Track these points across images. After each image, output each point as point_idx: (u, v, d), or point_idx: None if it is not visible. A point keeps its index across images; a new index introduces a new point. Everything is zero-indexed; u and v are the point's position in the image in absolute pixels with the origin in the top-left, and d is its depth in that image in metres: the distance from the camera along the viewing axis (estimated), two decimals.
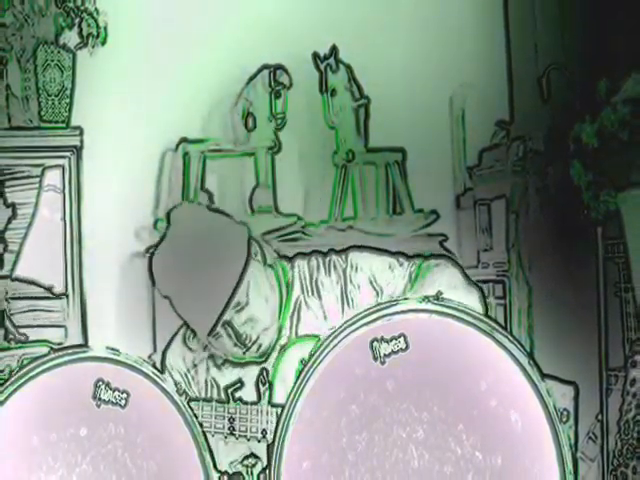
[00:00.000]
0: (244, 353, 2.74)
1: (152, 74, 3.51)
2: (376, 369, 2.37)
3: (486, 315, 2.45)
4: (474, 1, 3.69)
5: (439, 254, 3.00)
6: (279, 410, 2.43)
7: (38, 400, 2.41)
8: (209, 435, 2.55)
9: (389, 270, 2.79)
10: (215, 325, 2.66)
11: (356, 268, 2.80)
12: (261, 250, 2.75)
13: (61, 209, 3.50)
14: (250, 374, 2.71)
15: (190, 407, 2.47)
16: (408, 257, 2.82)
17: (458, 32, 3.66)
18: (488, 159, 3.70)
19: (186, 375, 2.84)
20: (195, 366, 2.83)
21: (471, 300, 2.65)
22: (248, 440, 2.57)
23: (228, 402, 2.59)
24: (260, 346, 2.73)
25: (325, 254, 2.83)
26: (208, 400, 2.61)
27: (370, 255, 2.82)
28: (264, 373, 2.66)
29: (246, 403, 2.59)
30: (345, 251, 2.83)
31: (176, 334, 2.89)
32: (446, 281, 2.73)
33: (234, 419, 2.57)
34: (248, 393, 2.63)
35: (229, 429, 2.57)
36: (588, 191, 3.39)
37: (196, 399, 2.62)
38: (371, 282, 2.78)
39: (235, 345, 2.72)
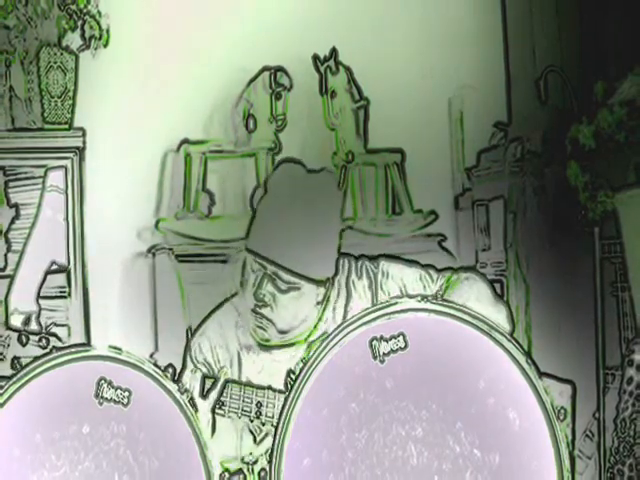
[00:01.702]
0: (257, 314, 2.76)
1: (154, 76, 3.51)
2: (375, 368, 2.38)
3: (511, 335, 2.46)
4: (473, 5, 3.70)
5: (468, 267, 3.02)
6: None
7: (41, 398, 2.42)
8: (235, 417, 2.58)
9: (419, 281, 2.81)
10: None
11: (387, 275, 2.83)
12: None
13: (64, 209, 3.50)
14: (278, 377, 2.70)
15: (193, 404, 2.48)
16: (438, 270, 2.85)
17: (457, 36, 3.67)
18: (486, 160, 3.71)
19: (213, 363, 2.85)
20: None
21: (499, 317, 2.66)
22: (273, 426, 2.59)
23: (258, 387, 2.62)
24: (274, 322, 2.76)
25: (357, 258, 2.86)
26: (238, 382, 2.63)
27: (401, 265, 2.85)
28: (291, 375, 2.66)
29: (275, 390, 2.61)
30: (376, 258, 2.86)
31: (207, 318, 2.89)
32: (475, 294, 2.75)
33: (262, 404, 2.60)
34: (278, 381, 2.65)
35: (256, 413, 2.60)
36: (585, 192, 3.39)
37: (226, 379, 2.64)
38: (401, 291, 2.80)
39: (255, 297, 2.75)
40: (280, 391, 2.62)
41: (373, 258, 2.87)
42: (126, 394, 2.43)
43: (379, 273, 2.83)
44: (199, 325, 2.88)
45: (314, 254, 2.75)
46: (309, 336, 2.80)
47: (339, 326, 2.43)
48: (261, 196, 2.83)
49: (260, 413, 2.61)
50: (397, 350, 2.39)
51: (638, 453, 3.15)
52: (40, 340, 2.55)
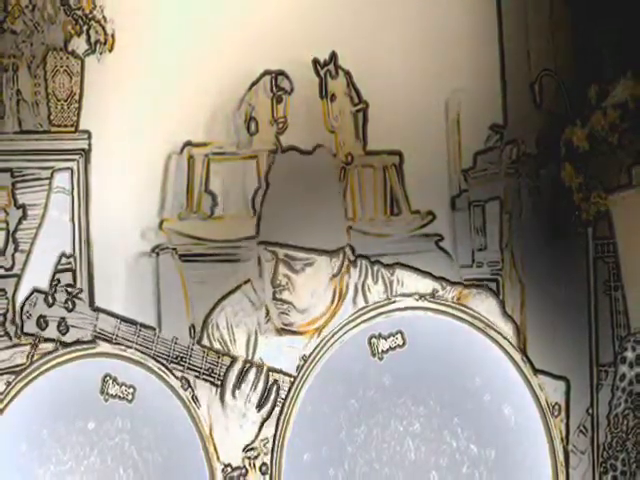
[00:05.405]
0: (275, 294, 2.79)
1: (157, 80, 3.51)
2: (374, 365, 2.41)
3: (522, 350, 2.49)
4: (469, 9, 3.71)
5: (479, 284, 3.03)
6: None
7: (48, 395, 2.45)
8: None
9: (432, 292, 2.83)
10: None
11: (402, 283, 2.86)
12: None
13: (69, 210, 3.51)
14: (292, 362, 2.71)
15: (195, 400, 2.50)
16: (451, 283, 2.88)
17: (454, 39, 3.68)
18: (482, 162, 3.72)
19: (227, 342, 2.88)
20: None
21: (507, 331, 2.65)
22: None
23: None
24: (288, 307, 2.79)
25: (372, 263, 2.90)
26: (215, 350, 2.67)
27: (415, 274, 2.88)
28: (304, 359, 2.67)
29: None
30: (392, 266, 2.89)
31: (217, 305, 2.92)
32: (485, 310, 2.72)
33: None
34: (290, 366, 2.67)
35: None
36: (579, 193, 3.42)
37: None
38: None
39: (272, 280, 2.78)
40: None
41: (389, 265, 2.89)
42: (131, 390, 2.45)
43: (394, 281, 2.86)
44: (215, 304, 2.91)
45: (322, 227, 2.78)
46: (324, 326, 2.81)
47: (339, 324, 2.45)
48: (263, 192, 2.86)
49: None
50: (395, 348, 2.41)
51: (630, 448, 3.18)
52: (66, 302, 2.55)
